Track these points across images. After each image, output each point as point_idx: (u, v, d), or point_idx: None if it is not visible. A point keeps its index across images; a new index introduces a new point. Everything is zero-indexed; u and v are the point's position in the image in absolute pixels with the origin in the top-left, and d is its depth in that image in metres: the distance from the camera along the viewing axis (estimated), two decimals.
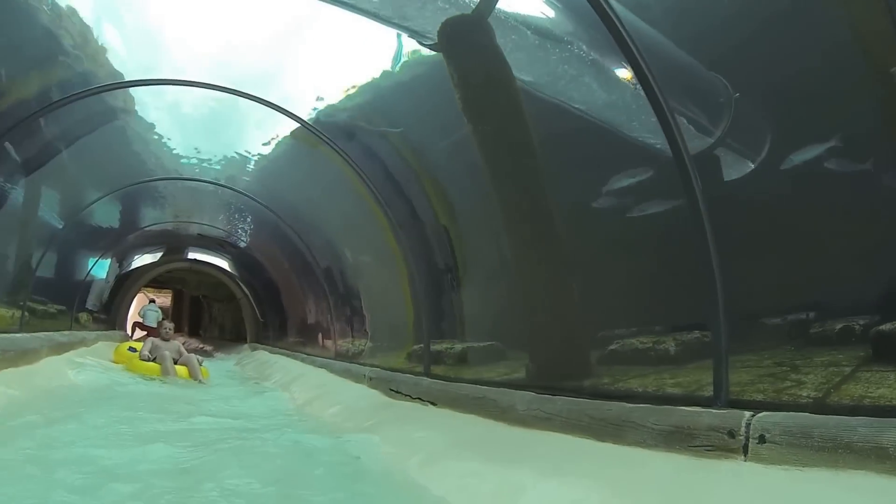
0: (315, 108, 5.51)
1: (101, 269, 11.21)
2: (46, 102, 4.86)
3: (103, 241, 10.34)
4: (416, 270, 5.27)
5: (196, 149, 7.36)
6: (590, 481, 2.27)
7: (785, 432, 1.93)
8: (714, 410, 2.23)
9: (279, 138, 6.51)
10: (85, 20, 4.48)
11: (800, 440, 1.88)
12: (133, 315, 17.52)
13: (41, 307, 7.92)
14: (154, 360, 8.18)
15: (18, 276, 6.90)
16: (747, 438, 2.02)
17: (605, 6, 2.55)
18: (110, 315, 13.53)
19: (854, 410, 1.93)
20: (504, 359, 4.18)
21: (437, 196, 5.04)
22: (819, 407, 2.06)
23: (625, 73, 3.03)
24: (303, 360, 8.83)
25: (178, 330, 14.83)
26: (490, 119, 3.90)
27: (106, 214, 9.29)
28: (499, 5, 3.37)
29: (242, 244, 12.01)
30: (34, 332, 6.94)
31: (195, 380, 7.83)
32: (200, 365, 8.33)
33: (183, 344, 9.35)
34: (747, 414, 2.07)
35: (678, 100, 2.82)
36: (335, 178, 6.01)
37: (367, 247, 6.79)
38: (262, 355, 11.67)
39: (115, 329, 13.57)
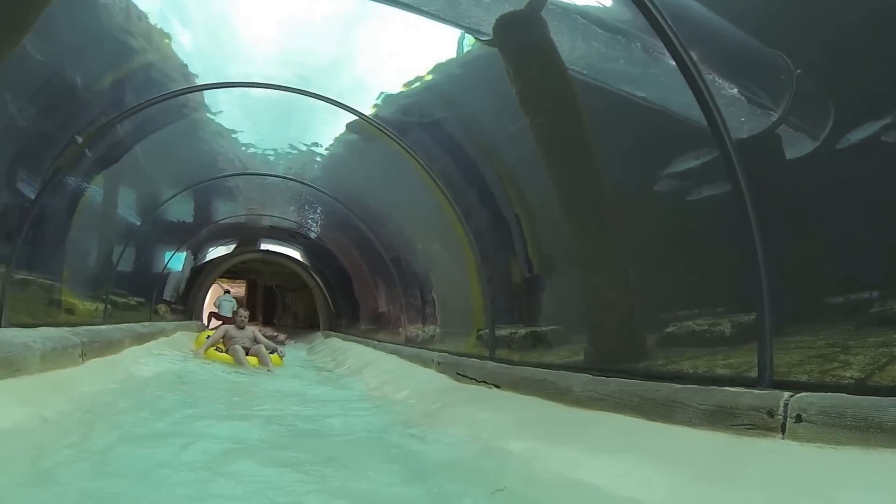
0: (376, 103, 5.72)
1: (177, 261, 11.77)
2: (123, 108, 5.18)
3: (179, 235, 10.88)
4: (482, 257, 5.47)
5: (265, 144, 7.68)
6: (636, 458, 2.45)
7: (820, 412, 2.04)
8: (755, 391, 2.36)
9: (343, 132, 6.73)
10: (156, 25, 4.72)
11: (834, 420, 2.00)
12: (209, 305, 18.33)
13: (122, 300, 8.36)
14: (226, 351, 8.64)
15: (101, 272, 7.34)
16: (785, 418, 2.14)
17: None
18: (187, 306, 14.25)
19: (892, 391, 2.03)
20: (566, 343, 4.33)
21: (501, 184, 5.16)
22: (860, 388, 2.15)
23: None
24: (374, 347, 9.14)
25: (252, 319, 15.45)
26: (546, 111, 4.05)
27: (181, 210, 9.77)
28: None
29: (313, 235, 12.40)
30: (116, 323, 7.34)
31: (265, 368, 8.16)
32: (276, 353, 8.81)
33: (259, 331, 9.77)
34: (786, 394, 2.20)
35: (736, 80, 2.91)
36: (400, 169, 6.20)
37: (434, 235, 6.99)
38: (335, 342, 12.10)
39: (191, 319, 14.29)
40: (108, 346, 5.90)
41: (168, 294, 12.00)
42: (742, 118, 2.92)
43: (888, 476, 1.77)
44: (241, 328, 9.15)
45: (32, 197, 4.55)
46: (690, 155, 3.18)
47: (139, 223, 8.17)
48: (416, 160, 5.79)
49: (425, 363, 6.27)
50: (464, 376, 5.05)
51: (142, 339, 7.72)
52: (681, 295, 3.32)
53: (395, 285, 8.77)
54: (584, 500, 2.29)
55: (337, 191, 8.73)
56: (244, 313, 9.60)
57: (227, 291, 19.22)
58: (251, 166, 8.34)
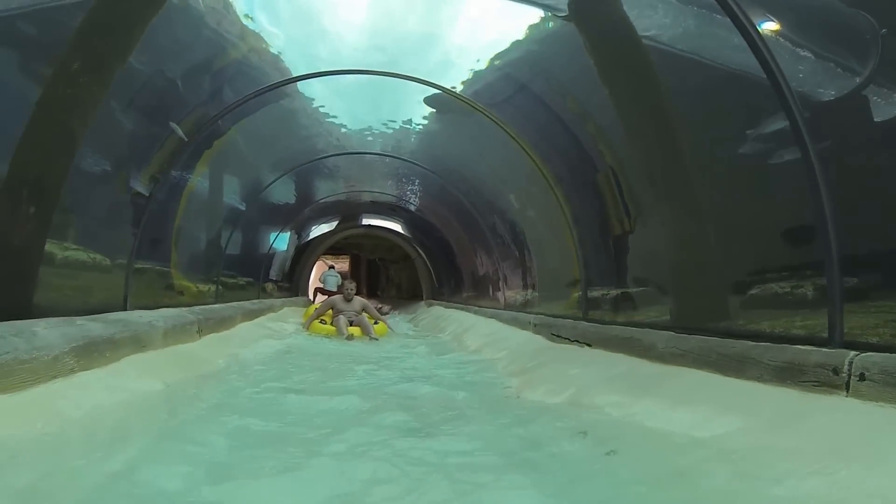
0: (464, 79, 5.93)
1: (281, 241, 12.33)
2: (223, 106, 5.65)
3: (282, 216, 11.44)
4: (574, 222, 5.68)
5: (360, 124, 8.01)
6: (708, 409, 2.66)
7: (882, 371, 2.16)
8: (823, 349, 2.50)
9: (434, 108, 7.02)
10: (249, 25, 5.00)
11: (895, 379, 2.13)
12: (314, 281, 19.30)
13: (231, 280, 8.98)
14: (331, 323, 8.89)
15: (211, 256, 7.93)
16: (849, 376, 2.28)
17: None
18: (293, 283, 15.01)
19: None
20: (653, 303, 4.50)
21: (589, 151, 5.29)
22: None
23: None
24: (475, 313, 9.53)
25: (357, 292, 16.29)
26: (623, 81, 4.19)
27: (283, 192, 10.25)
28: None
29: (412, 207, 12.82)
30: (228, 302, 7.95)
31: (369, 337, 8.33)
32: (381, 323, 9.13)
33: (378, 309, 9.93)
34: (851, 354, 2.33)
35: (817, 42, 2.95)
36: (492, 140, 6.40)
37: (528, 202, 7.20)
38: (437, 310, 12.57)
39: (297, 296, 15.10)
40: (221, 323, 6.53)
41: (274, 273, 12.63)
42: (819, 82, 2.97)
43: None
44: (349, 300, 9.25)
45: (147, 193, 5.12)
46: (764, 120, 3.24)
47: (244, 208, 8.74)
48: (506, 130, 6.01)
49: (522, 325, 6.59)
50: (558, 336, 5.34)
51: (252, 315, 8.39)
52: (761, 257, 3.41)
53: (493, 252, 9.09)
54: (658, 445, 2.52)
55: (433, 163, 9.07)
56: (351, 285, 9.66)
57: (331, 267, 20.12)
58: (348, 146, 8.73)
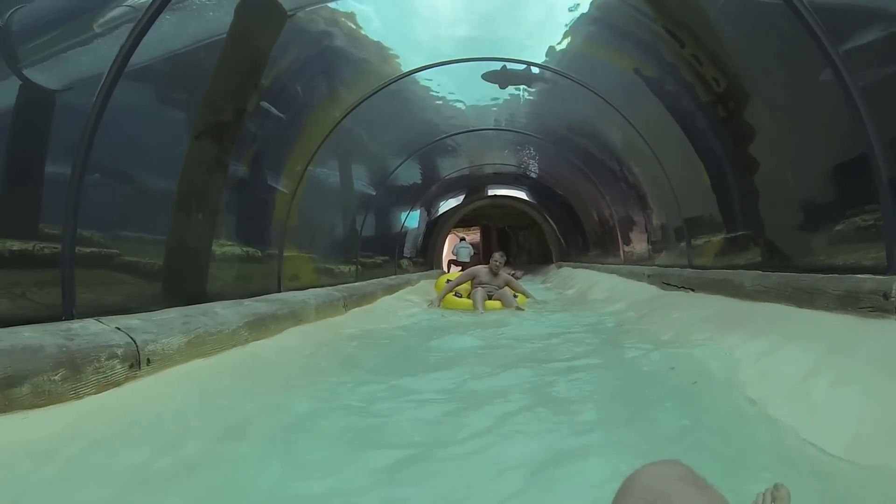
0: (548, 55, 6.34)
1: (412, 220, 13.04)
2: (347, 108, 6.37)
3: (411, 195, 12.14)
4: (673, 179, 5.90)
5: (472, 101, 8.47)
6: (781, 339, 2.95)
7: None
8: (876, 277, 2.72)
9: (535, 81, 7.40)
10: (360, 27, 5.54)
11: None
12: (447, 254, 20.06)
13: (369, 260, 9.57)
14: (467, 297, 8.18)
15: (349, 239, 8.71)
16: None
17: None
18: (426, 258, 15.71)
19: None
20: (747, 248, 4.68)
21: (687, 107, 5.43)
22: None
23: None
24: (598, 270, 9.88)
25: (488, 261, 16.79)
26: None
27: (409, 174, 10.89)
28: None
29: (534, 175, 13.23)
30: (369, 280, 8.68)
31: (514, 308, 7.56)
32: (517, 297, 8.16)
33: (512, 275, 9.00)
34: None
35: None
36: (590, 105, 6.74)
37: (637, 162, 7.42)
38: (565, 271, 12.98)
39: (432, 269, 15.81)
40: (363, 298, 7.29)
41: (408, 249, 13.31)
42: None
43: None
44: (495, 274, 8.32)
45: (288, 191, 5.96)
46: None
47: (374, 193, 9.52)
48: (597, 94, 6.30)
49: (638, 277, 6.92)
50: (667, 284, 5.65)
51: (391, 290, 9.06)
52: (836, 198, 3.55)
53: (610, 209, 9.33)
54: (733, 372, 2.87)
55: (544, 132, 9.46)
56: (499, 257, 8.50)
57: (462, 239, 20.81)
58: (465, 124, 9.28)
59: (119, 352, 2.78)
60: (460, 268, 18.45)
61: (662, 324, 4.41)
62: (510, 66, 6.71)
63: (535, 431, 2.33)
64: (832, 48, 3.00)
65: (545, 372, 3.33)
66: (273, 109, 5.20)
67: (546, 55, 6.35)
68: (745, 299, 3.86)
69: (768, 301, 3.52)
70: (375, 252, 10.42)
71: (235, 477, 2.01)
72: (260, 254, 5.59)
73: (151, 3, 3.24)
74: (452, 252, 20.01)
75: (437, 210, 15.70)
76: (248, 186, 5.32)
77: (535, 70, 6.70)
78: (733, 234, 4.96)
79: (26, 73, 2.93)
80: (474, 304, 7.67)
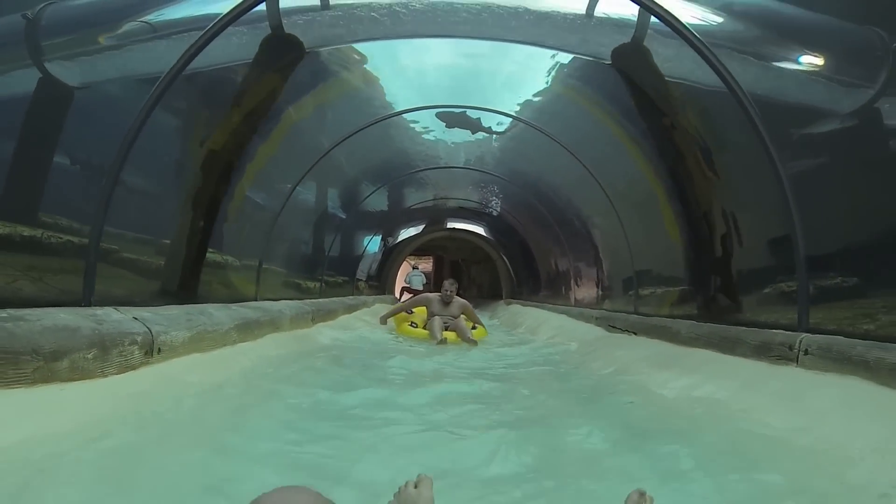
0: (522, 103, 6.89)
1: (373, 244, 13.66)
2: (338, 139, 6.86)
3: (376, 221, 12.72)
4: (629, 234, 6.54)
5: (450, 138, 8.83)
6: (707, 377, 3.51)
7: (819, 348, 2.97)
8: (784, 332, 3.31)
9: (506, 128, 7.97)
10: (359, 65, 5.93)
11: (825, 353, 2.92)
12: (399, 280, 20.46)
13: (332, 279, 10.19)
14: (423, 327, 7.92)
15: (317, 258, 9.27)
16: (798, 351, 3.10)
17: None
18: (381, 282, 16.19)
19: (883, 338, 2.82)
20: (690, 301, 5.29)
21: (644, 173, 6.10)
22: (863, 335, 2.96)
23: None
24: (549, 310, 10.39)
25: (438, 291, 17.04)
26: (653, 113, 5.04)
27: (378, 201, 11.42)
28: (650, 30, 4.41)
29: (495, 213, 13.78)
30: (329, 297, 9.18)
31: (466, 341, 7.27)
32: (476, 328, 7.98)
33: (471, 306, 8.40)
34: (802, 335, 3.14)
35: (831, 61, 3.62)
36: (560, 155, 7.31)
37: (594, 213, 8.04)
38: (515, 308, 13.48)
39: (384, 294, 16.23)
40: (328, 314, 7.85)
41: (365, 273, 13.84)
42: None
43: (849, 389, 2.64)
44: (447, 303, 8.00)
45: (277, 210, 6.41)
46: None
47: (345, 216, 10.07)
48: (565, 148, 6.90)
49: (587, 319, 7.48)
50: (613, 327, 6.23)
51: (350, 308, 9.63)
52: (765, 266, 4.16)
53: (566, 255, 9.95)
54: (665, 401, 3.40)
55: (511, 175, 10.04)
56: (449, 286, 8.15)
57: (415, 267, 21.18)
58: (438, 160, 9.78)
59: (138, 339, 3.15)
60: (412, 295, 18.84)
61: (607, 360, 4.95)
62: (484, 114, 7.31)
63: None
64: (768, 137, 3.60)
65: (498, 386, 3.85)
66: (271, 134, 5.64)
67: (518, 106, 6.97)
68: (680, 344, 4.44)
69: (699, 347, 4.10)
70: (338, 272, 10.91)
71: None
72: (238, 263, 5.95)
73: (215, 23, 3.68)
74: (406, 280, 20.41)
75: (397, 237, 16.18)
76: (244, 200, 5.71)
77: (507, 120, 7.30)
78: (676, 288, 5.59)
79: (59, 69, 3.31)
80: (431, 333, 7.42)
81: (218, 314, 4.31)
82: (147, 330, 3.25)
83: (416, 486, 1.56)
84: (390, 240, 15.77)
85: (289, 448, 2.41)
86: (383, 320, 8.45)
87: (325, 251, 9.61)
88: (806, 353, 3.04)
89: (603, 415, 3.22)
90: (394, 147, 8.80)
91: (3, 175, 3.03)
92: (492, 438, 2.59)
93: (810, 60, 3.61)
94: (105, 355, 2.87)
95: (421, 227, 16.73)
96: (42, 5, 2.97)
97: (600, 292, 8.18)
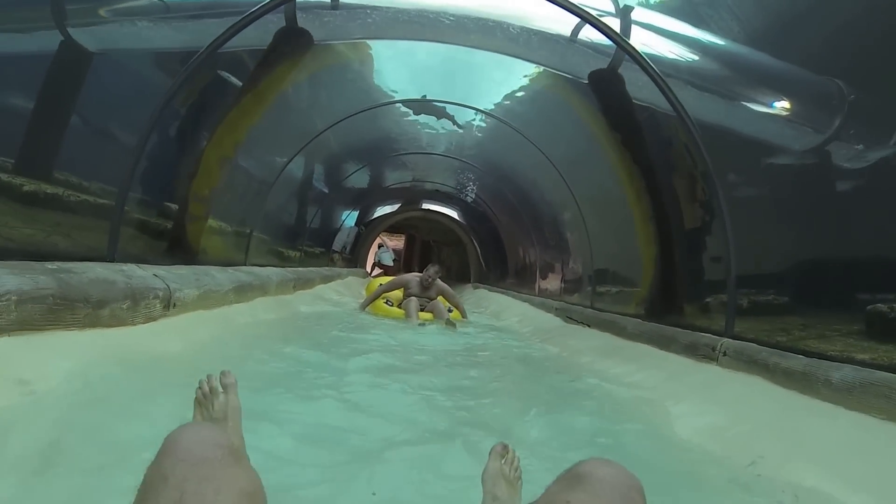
0: (497, 104, 7.48)
1: (350, 219, 14.35)
2: (332, 122, 7.40)
3: (355, 197, 13.38)
4: (588, 232, 7.14)
5: (431, 124, 9.32)
6: (639, 366, 4.14)
7: (735, 351, 3.57)
8: (710, 335, 3.92)
9: (482, 122, 8.55)
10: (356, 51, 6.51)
11: (739, 356, 3.53)
12: (371, 256, 20.94)
13: (310, 250, 10.89)
14: (398, 306, 7.94)
15: (299, 229, 9.92)
16: (719, 353, 3.72)
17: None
18: (354, 256, 16.74)
19: (786, 348, 3.44)
20: (639, 302, 5.90)
21: (613, 177, 6.63)
22: (774, 344, 3.59)
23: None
24: (513, 297, 11.03)
25: (407, 269, 17.24)
26: (621, 132, 5.63)
27: (359, 179, 12.04)
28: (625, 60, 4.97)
29: (469, 199, 14.36)
30: (307, 267, 9.69)
31: (444, 322, 7.34)
32: (452, 311, 8.01)
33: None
34: (723, 340, 3.75)
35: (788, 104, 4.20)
36: (534, 155, 7.87)
37: (562, 212, 8.61)
38: (482, 293, 14.10)
39: (357, 267, 16.88)
40: (307, 283, 8.40)
41: (340, 245, 14.42)
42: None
43: (750, 386, 3.23)
44: (426, 287, 8.01)
45: (270, 182, 6.88)
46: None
47: (327, 191, 10.75)
48: (538, 148, 7.47)
49: (547, 309, 8.11)
50: (570, 318, 6.85)
51: (326, 279, 10.19)
52: (706, 280, 4.76)
53: (534, 247, 10.57)
54: (607, 384, 3.98)
55: (488, 166, 10.62)
56: (434, 272, 8.12)
57: (380, 245, 21.62)
58: (419, 145, 10.34)
59: (160, 294, 3.64)
60: (382, 271, 19.30)
61: (561, 346, 5.58)
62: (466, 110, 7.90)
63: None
64: (711, 163, 4.19)
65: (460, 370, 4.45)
66: (273, 115, 6.10)
67: (495, 105, 7.56)
68: (625, 338, 5.06)
69: (641, 342, 4.72)
70: (316, 244, 11.49)
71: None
72: (231, 230, 6.41)
73: (248, 14, 4.17)
74: (375, 257, 20.84)
75: (373, 214, 16.72)
76: (241, 171, 6.16)
77: (486, 117, 7.87)
78: (630, 289, 6.22)
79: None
80: (406, 314, 7.49)
81: (219, 276, 4.79)
82: (166, 287, 3.73)
83: (222, 390, 1.71)
84: (367, 216, 16.26)
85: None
86: (363, 307, 8.16)
87: (307, 223, 10.11)
88: (724, 354, 3.66)
89: (542, 385, 3.90)
90: (380, 130, 9.29)
91: (33, 135, 3.40)
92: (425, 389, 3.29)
93: (766, 100, 4.13)
94: (136, 307, 3.35)
95: (397, 206, 17.24)
96: None
97: (562, 285, 8.81)
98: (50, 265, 2.90)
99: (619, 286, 6.50)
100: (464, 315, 8.11)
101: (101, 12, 3.69)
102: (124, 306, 3.24)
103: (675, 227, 5.13)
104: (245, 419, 1.75)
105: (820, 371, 2.80)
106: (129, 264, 3.76)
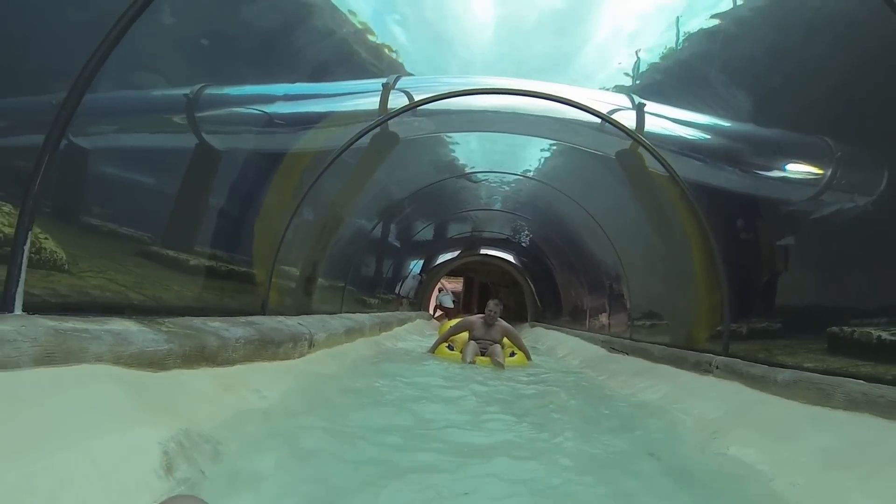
0: (540, 169, 8.91)
1: (416, 267, 16.26)
2: (413, 190, 9.05)
3: (422, 249, 15.23)
4: (628, 278, 8.45)
5: (487, 181, 10.92)
6: (657, 381, 5.41)
7: (724, 365, 4.82)
8: (709, 355, 5.17)
9: (535, 186, 10.00)
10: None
11: (726, 368, 4.77)
12: (433, 299, 22.51)
13: (385, 296, 12.78)
14: (459, 350, 7.92)
15: (376, 280, 11.72)
16: (713, 367, 4.97)
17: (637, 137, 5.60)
18: (418, 299, 18.65)
19: (760, 361, 4.70)
20: (666, 332, 7.15)
21: (650, 231, 7.99)
22: (753, 359, 4.84)
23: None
24: (566, 333, 12.30)
25: (467, 310, 18.31)
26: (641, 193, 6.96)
27: (426, 233, 13.79)
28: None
29: (525, 244, 15.78)
30: (384, 311, 11.44)
31: (494, 363, 7.49)
32: (514, 355, 8.11)
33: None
34: (717, 357, 5.01)
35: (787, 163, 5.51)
36: (578, 211, 9.27)
37: (604, 260, 9.90)
38: (538, 330, 15.38)
39: (421, 310, 18.63)
40: (387, 326, 9.97)
41: (406, 291, 16.27)
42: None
43: (727, 388, 4.51)
44: (490, 325, 8.02)
45: (360, 245, 8.50)
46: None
47: (399, 245, 12.43)
48: (580, 205, 8.86)
49: (594, 342, 9.39)
50: (612, 349, 8.12)
51: (401, 322, 11.92)
52: (710, 318, 6.01)
53: (584, 288, 11.85)
54: (629, 395, 5.27)
55: (541, 219, 12.08)
56: (494, 306, 8.08)
57: (440, 290, 23.16)
58: (478, 202, 11.93)
59: (306, 336, 5.15)
60: (444, 312, 20.86)
61: (601, 371, 6.90)
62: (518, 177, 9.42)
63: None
64: (706, 220, 5.49)
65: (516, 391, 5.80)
66: (364, 193, 7.71)
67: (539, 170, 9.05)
68: (653, 361, 6.32)
69: (663, 363, 5.98)
70: (389, 291, 13.19)
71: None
72: (328, 284, 7.97)
73: (364, 130, 5.73)
74: (438, 299, 22.34)
75: (435, 261, 18.41)
76: (343, 239, 7.76)
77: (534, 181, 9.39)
78: (657, 322, 7.48)
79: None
80: (463, 357, 7.61)
81: (334, 322, 6.33)
82: (308, 331, 5.25)
83: None
84: (430, 263, 17.94)
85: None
86: (432, 350, 8.25)
87: (383, 274, 11.76)
88: (717, 368, 4.92)
89: (585, 397, 5.20)
90: (445, 195, 10.85)
91: (208, 225, 4.81)
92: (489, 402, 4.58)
93: (762, 164, 5.10)
94: (295, 346, 4.86)
95: (457, 253, 18.83)
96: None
97: (607, 322, 10.08)
98: (242, 319, 4.44)
99: (651, 320, 7.75)
100: (528, 357, 8.18)
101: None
102: (290, 346, 4.75)
103: (689, 272, 6.43)
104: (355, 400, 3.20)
105: (771, 374, 4.06)
106: (280, 316, 5.29)
